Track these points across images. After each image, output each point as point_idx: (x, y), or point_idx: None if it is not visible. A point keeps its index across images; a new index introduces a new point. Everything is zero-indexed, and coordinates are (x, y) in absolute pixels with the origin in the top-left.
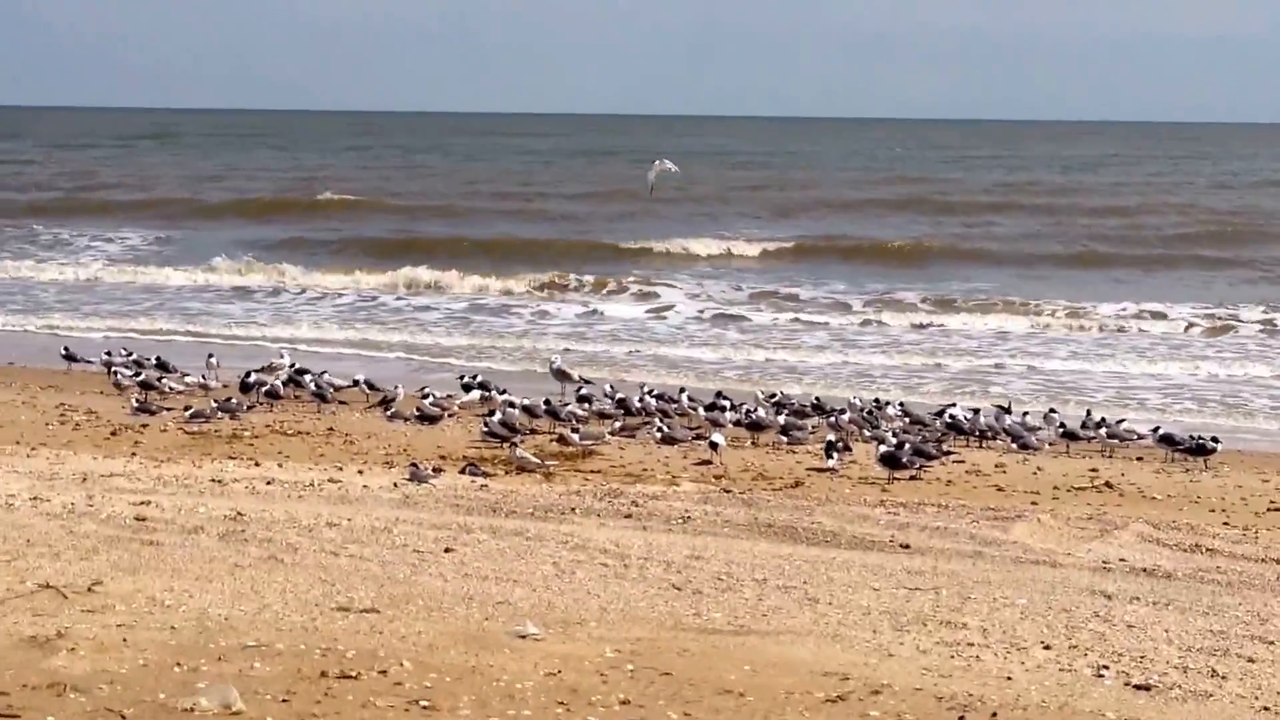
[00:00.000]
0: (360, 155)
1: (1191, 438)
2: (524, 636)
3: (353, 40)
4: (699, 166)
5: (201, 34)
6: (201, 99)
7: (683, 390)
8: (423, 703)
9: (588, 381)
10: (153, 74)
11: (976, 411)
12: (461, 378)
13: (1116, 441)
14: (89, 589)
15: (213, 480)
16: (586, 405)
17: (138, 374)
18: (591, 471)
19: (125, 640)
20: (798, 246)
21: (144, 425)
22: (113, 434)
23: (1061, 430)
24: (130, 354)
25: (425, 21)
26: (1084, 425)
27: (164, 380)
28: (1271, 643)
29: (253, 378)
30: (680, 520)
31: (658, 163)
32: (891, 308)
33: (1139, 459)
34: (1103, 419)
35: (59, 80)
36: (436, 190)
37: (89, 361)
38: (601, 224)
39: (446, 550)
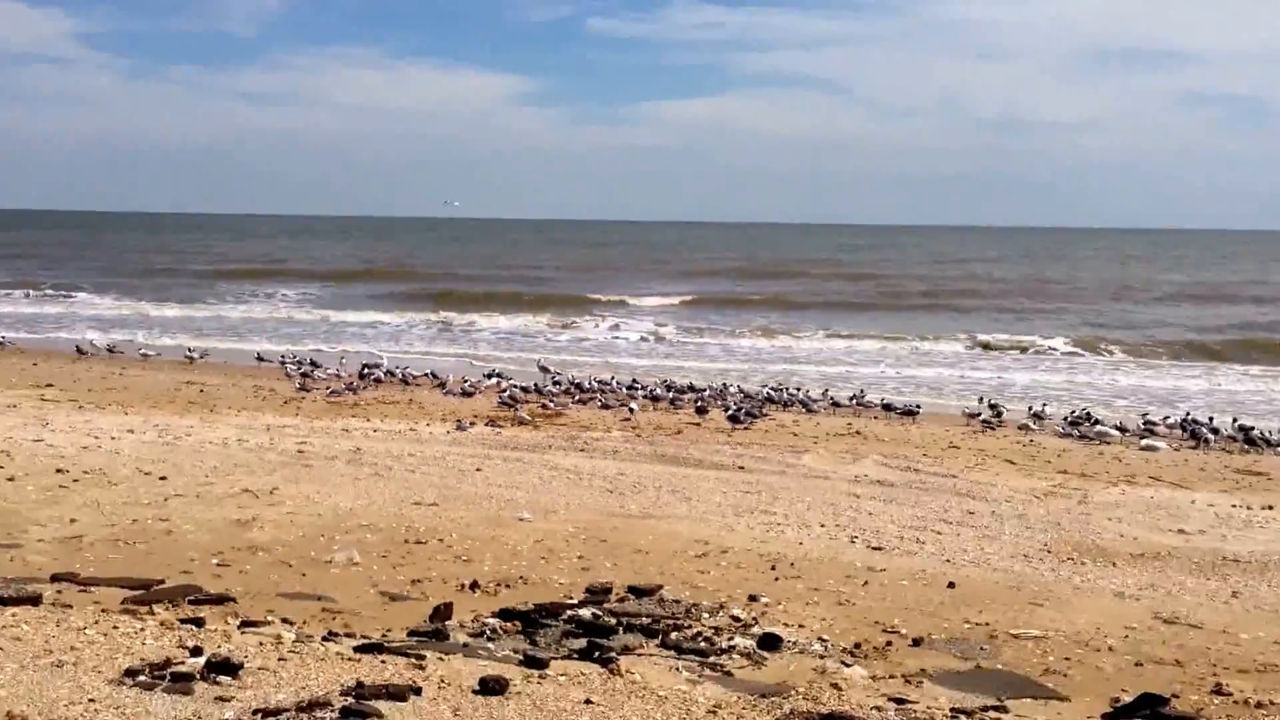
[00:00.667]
0: (409, 244)
1: (905, 406)
2: (522, 519)
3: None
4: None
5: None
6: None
7: (613, 377)
8: (463, 558)
9: (558, 372)
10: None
11: (781, 388)
12: (489, 373)
13: (863, 408)
14: (270, 492)
15: (343, 430)
16: (557, 385)
17: (300, 367)
18: (561, 424)
19: (291, 521)
20: (694, 299)
21: (303, 398)
22: (285, 403)
23: (832, 401)
24: (295, 356)
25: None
26: (850, 398)
27: (315, 372)
28: (950, 522)
29: (366, 370)
30: (612, 452)
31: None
32: (737, 336)
33: (875, 418)
34: (854, 395)
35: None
36: (468, 262)
37: (271, 361)
38: (572, 283)
39: (477, 469)
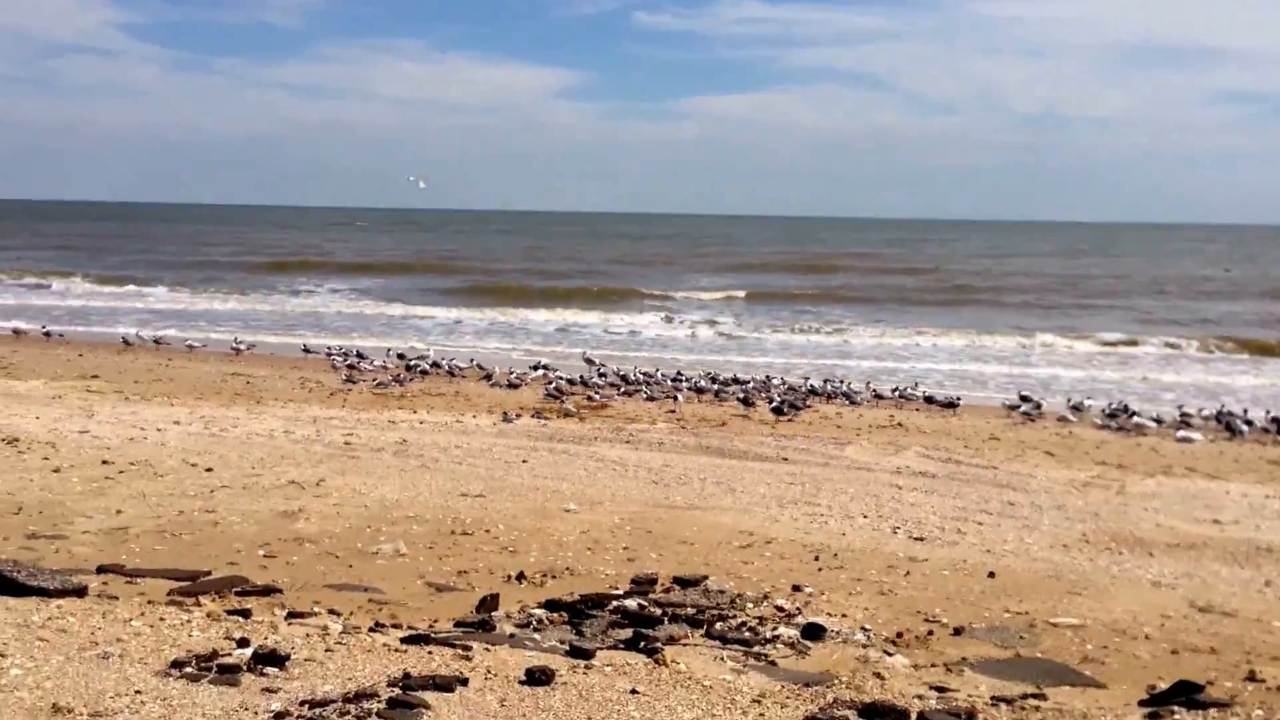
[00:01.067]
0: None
1: (946, 398)
2: (568, 510)
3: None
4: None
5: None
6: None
7: (658, 369)
8: (509, 549)
9: (603, 365)
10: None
11: (826, 381)
12: (535, 365)
13: (905, 400)
14: (317, 483)
15: (389, 421)
16: (602, 377)
17: (346, 359)
18: (606, 416)
19: (338, 513)
20: (746, 293)
21: (349, 390)
22: (331, 395)
23: (874, 394)
24: (341, 349)
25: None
26: (893, 390)
27: (361, 363)
28: (990, 513)
29: (413, 362)
30: (657, 444)
31: (417, 179)
32: (790, 330)
33: (916, 409)
34: (896, 388)
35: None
36: (515, 255)
37: (317, 353)
38: (620, 277)
39: (523, 461)
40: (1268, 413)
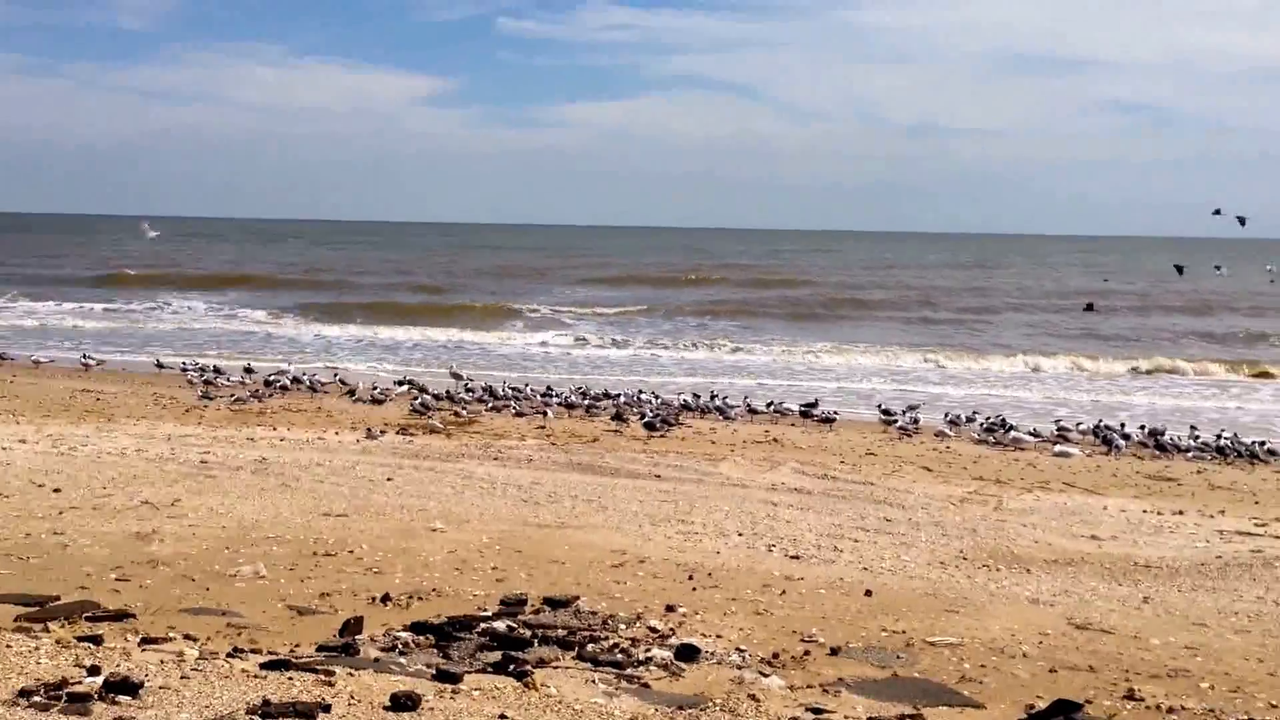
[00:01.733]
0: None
1: (823, 412)
2: (434, 530)
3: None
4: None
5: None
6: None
7: (527, 384)
8: (374, 570)
9: (470, 379)
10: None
11: (697, 396)
12: (401, 380)
13: (780, 414)
14: (172, 504)
15: (248, 439)
16: (470, 392)
17: (202, 375)
18: (474, 432)
19: (194, 534)
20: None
21: (206, 406)
22: (186, 412)
23: (749, 408)
24: (198, 363)
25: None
26: (768, 405)
27: (218, 379)
28: (867, 530)
29: (272, 377)
30: (526, 461)
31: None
32: (660, 345)
33: (792, 424)
34: (771, 402)
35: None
36: (378, 267)
37: (171, 368)
38: (491, 291)
39: (388, 479)
40: (1143, 427)
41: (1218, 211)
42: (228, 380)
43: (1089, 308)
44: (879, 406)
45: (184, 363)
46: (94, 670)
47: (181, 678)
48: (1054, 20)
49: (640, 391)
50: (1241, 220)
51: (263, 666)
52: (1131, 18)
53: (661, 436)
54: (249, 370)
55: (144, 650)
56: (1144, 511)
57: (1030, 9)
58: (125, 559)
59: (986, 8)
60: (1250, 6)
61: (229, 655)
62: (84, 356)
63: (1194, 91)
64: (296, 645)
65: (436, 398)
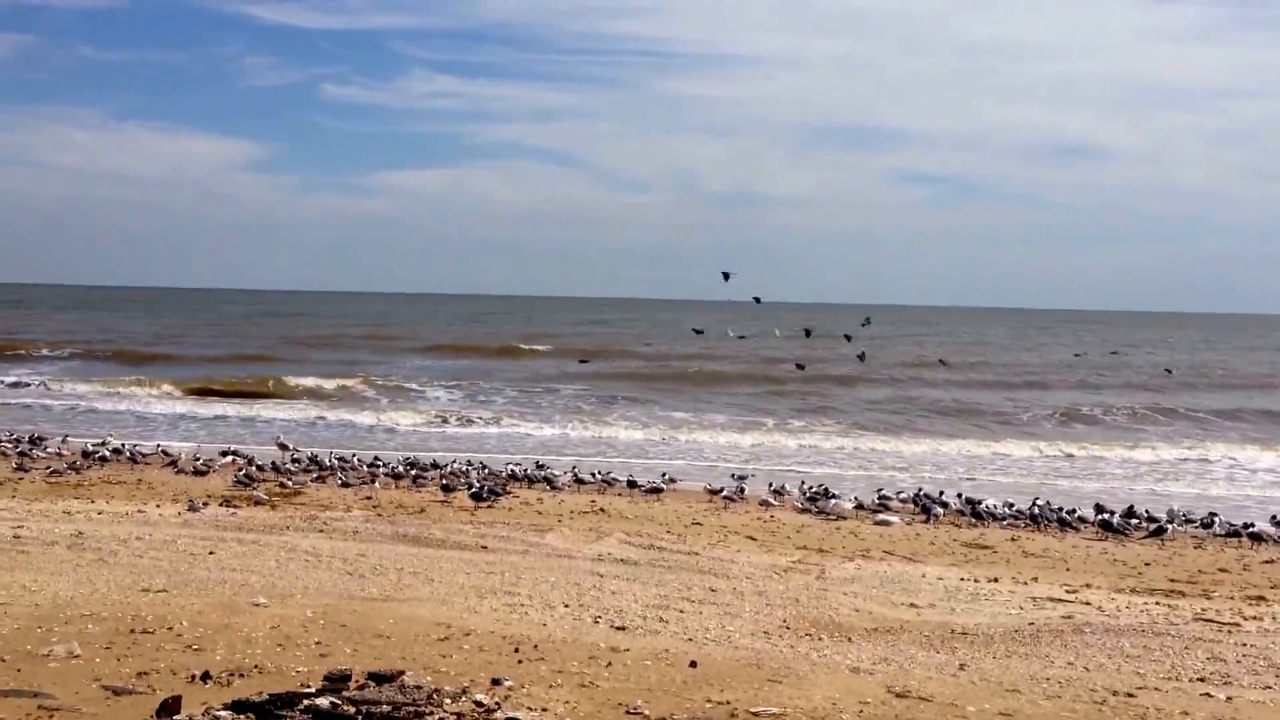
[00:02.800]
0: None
1: (649, 483)
2: (257, 605)
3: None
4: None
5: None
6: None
7: (354, 454)
8: (194, 647)
9: (296, 449)
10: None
11: (521, 467)
12: (225, 451)
13: (608, 485)
14: None
15: (64, 512)
16: (296, 463)
17: (17, 446)
18: (299, 503)
19: (5, 612)
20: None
21: (20, 478)
22: (0, 484)
23: (575, 478)
24: (13, 433)
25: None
26: (593, 474)
27: (34, 450)
28: (693, 600)
29: (91, 448)
30: (352, 533)
31: None
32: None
33: (619, 494)
34: (595, 472)
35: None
36: (188, 335)
37: None
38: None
39: (210, 553)
40: (960, 495)
41: (727, 275)
42: (45, 451)
43: (799, 367)
44: (731, 477)
45: None
46: None
47: None
48: (859, 93)
49: (469, 461)
50: (757, 299)
51: None
52: (937, 89)
53: (489, 507)
54: (65, 440)
55: None
56: (961, 579)
57: (836, 85)
58: None
59: (798, 81)
60: (1048, 86)
61: None
62: None
63: (991, 163)
64: None
65: (260, 469)
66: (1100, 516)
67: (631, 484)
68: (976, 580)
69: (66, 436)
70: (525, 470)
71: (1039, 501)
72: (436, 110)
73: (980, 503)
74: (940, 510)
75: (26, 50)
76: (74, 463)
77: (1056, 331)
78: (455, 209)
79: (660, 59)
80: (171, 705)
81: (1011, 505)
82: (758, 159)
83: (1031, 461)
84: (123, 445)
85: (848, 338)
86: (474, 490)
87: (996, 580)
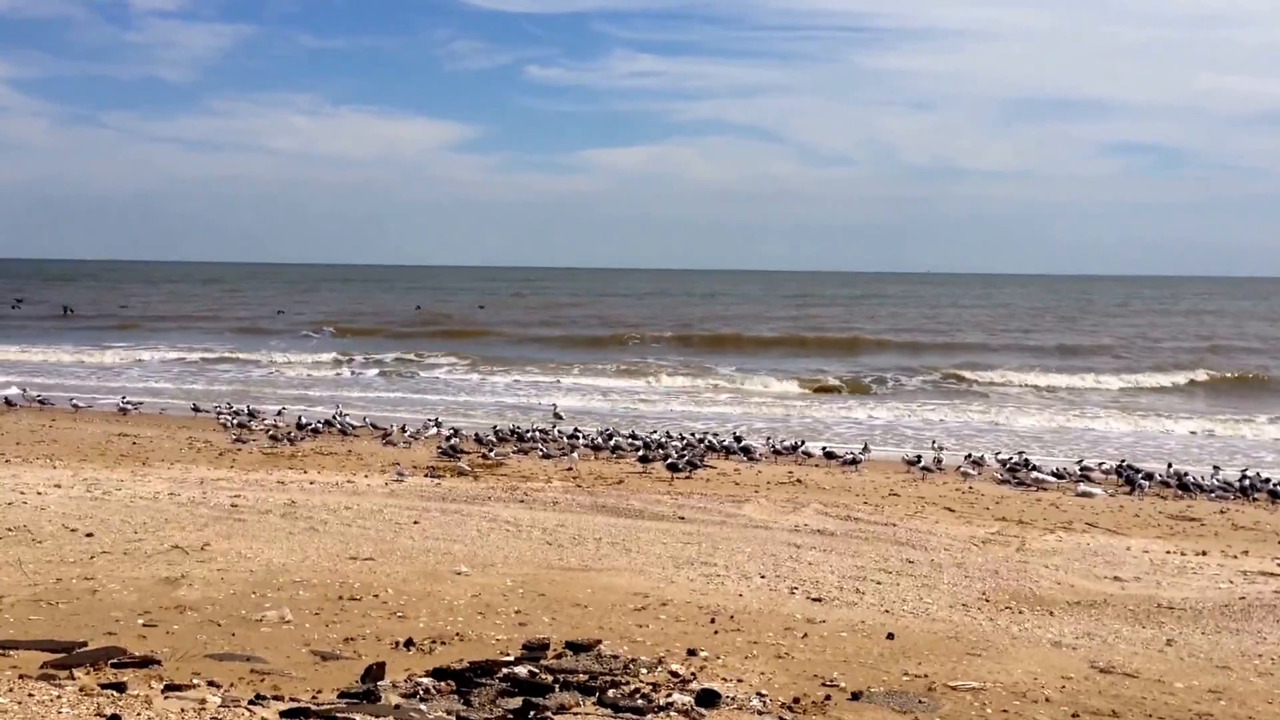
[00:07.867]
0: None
1: (847, 454)
2: (459, 573)
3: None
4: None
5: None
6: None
7: (554, 426)
8: (398, 614)
9: (514, 423)
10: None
11: (716, 436)
12: (430, 422)
13: (805, 456)
14: (201, 548)
15: (278, 482)
16: (498, 435)
17: (236, 419)
18: (501, 474)
19: (222, 579)
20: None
21: (238, 450)
22: (219, 455)
23: (773, 449)
24: (231, 407)
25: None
26: (791, 446)
27: (251, 422)
28: (889, 572)
29: (304, 420)
30: (552, 503)
31: None
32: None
33: (816, 466)
34: (796, 443)
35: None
36: (405, 312)
37: (207, 412)
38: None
39: (415, 522)
40: (1169, 466)
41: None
42: (261, 423)
43: None
44: (931, 446)
45: (218, 406)
46: (114, 719)
47: None
48: (1064, 64)
49: (668, 433)
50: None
51: (283, 715)
52: (1143, 59)
53: (686, 478)
54: (280, 413)
55: (166, 698)
56: (1167, 552)
57: (1039, 55)
58: (153, 604)
59: (999, 53)
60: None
61: (251, 703)
62: (122, 400)
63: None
64: (319, 691)
65: (465, 440)
66: None
67: (829, 454)
68: (1183, 553)
69: (282, 409)
70: (723, 441)
71: (1249, 472)
72: (638, 89)
73: (1187, 475)
74: (1146, 482)
75: (249, 40)
76: (288, 434)
77: None
78: (658, 185)
79: (860, 33)
80: (376, 671)
81: (1219, 476)
82: (958, 132)
83: None
84: (335, 417)
85: None
86: (670, 461)
87: (1205, 553)
